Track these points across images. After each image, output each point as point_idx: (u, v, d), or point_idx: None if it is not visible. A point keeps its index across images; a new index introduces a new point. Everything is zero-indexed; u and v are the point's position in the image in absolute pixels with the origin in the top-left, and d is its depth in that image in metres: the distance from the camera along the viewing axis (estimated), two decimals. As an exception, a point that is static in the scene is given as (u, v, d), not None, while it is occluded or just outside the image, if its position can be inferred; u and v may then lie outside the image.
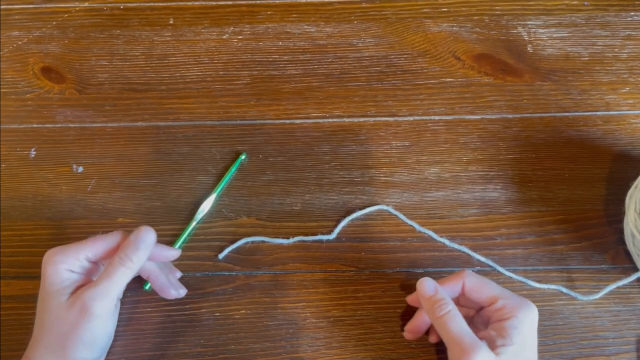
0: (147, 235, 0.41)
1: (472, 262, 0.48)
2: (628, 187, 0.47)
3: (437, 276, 0.48)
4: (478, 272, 0.48)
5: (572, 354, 0.46)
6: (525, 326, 0.39)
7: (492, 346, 0.38)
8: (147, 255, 0.42)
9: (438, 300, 0.41)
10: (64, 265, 0.41)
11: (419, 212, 0.50)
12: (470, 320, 0.44)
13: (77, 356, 0.40)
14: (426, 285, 0.42)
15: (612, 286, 0.46)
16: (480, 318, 0.43)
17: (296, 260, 0.49)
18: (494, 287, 0.42)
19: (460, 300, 0.44)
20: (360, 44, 0.58)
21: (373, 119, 0.54)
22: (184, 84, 0.56)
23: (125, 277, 0.40)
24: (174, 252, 0.45)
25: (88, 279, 0.42)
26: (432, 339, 0.45)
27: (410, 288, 0.47)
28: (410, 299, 0.46)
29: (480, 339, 0.39)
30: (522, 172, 0.52)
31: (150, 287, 0.48)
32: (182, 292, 0.46)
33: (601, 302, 0.47)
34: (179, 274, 0.48)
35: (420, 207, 0.51)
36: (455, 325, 0.39)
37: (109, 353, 0.46)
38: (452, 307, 0.40)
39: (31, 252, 0.50)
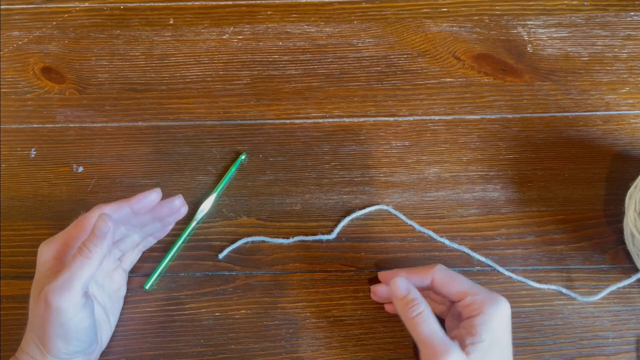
0: (104, 225, 0.40)
1: (472, 262, 0.48)
2: (628, 187, 0.47)
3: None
4: (478, 272, 0.48)
5: (572, 354, 0.46)
6: (494, 322, 0.38)
7: (463, 345, 0.38)
8: (108, 243, 0.40)
9: (410, 301, 0.40)
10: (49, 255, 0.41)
11: (418, 212, 0.51)
12: (445, 315, 0.44)
13: (56, 348, 0.39)
14: (399, 285, 0.41)
15: (613, 287, 0.46)
16: (454, 313, 0.43)
17: (296, 260, 0.49)
18: (463, 282, 0.41)
19: (431, 295, 0.44)
20: (360, 44, 0.58)
21: (373, 119, 0.54)
22: (184, 84, 0.56)
23: (87, 269, 0.38)
24: (152, 196, 0.44)
25: None
26: (389, 308, 0.46)
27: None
28: (377, 294, 0.46)
29: (453, 338, 0.39)
30: (522, 172, 0.52)
31: (150, 286, 0.48)
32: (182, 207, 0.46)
33: (601, 302, 0.47)
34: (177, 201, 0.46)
35: (420, 207, 0.51)
36: (427, 327, 0.39)
37: (109, 353, 0.46)
38: (424, 307, 0.39)
39: (31, 252, 0.49)
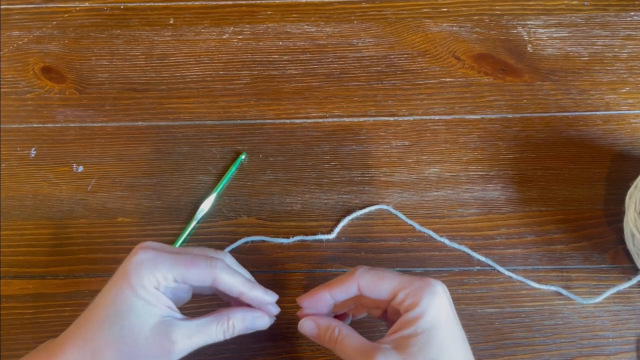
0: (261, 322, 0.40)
1: (472, 262, 0.48)
2: (628, 187, 0.47)
3: (437, 275, 0.48)
4: (478, 271, 0.48)
5: (572, 354, 0.46)
6: (432, 311, 0.35)
7: (399, 345, 0.35)
8: (225, 280, 0.38)
9: (324, 334, 0.38)
10: (152, 281, 0.37)
11: (418, 211, 0.50)
12: (384, 317, 0.41)
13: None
14: (306, 328, 0.39)
15: (613, 290, 0.46)
16: (392, 312, 0.39)
17: (296, 259, 0.49)
18: (390, 279, 0.38)
19: (363, 300, 0.40)
20: (360, 44, 0.58)
21: (373, 118, 0.54)
22: (184, 83, 0.56)
23: (214, 339, 0.38)
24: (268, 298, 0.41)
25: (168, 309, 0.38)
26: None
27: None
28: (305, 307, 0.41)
29: (394, 338, 0.36)
30: (522, 172, 0.52)
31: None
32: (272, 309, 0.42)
33: (601, 302, 0.47)
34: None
35: (420, 206, 0.51)
36: (349, 342, 0.37)
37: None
38: (338, 329, 0.38)
39: (31, 251, 0.50)
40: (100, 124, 0.55)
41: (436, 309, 0.36)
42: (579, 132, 0.53)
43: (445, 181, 0.52)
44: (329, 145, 0.53)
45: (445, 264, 0.48)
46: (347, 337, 0.37)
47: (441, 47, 0.57)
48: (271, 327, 0.46)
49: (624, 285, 0.46)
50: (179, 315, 0.38)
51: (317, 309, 0.40)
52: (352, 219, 0.50)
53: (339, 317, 0.42)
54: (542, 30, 0.57)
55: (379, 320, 0.42)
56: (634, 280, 0.46)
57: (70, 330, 0.37)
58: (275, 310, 0.41)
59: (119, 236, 0.50)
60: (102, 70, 0.57)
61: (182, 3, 0.60)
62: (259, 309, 0.41)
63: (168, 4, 0.60)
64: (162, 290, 0.37)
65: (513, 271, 0.48)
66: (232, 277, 0.39)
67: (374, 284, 0.38)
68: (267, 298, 0.40)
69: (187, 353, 0.37)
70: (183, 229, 0.50)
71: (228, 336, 0.39)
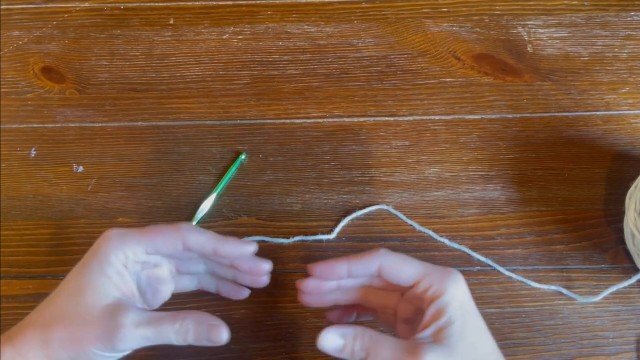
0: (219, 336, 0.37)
1: (472, 262, 0.48)
2: (628, 187, 0.47)
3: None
4: (478, 271, 0.48)
5: (572, 354, 0.46)
6: (458, 298, 0.35)
7: (437, 337, 0.33)
8: (202, 245, 0.38)
9: (352, 343, 0.34)
10: (121, 257, 0.37)
11: (418, 211, 0.51)
12: (394, 307, 0.39)
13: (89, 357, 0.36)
14: (329, 341, 0.35)
15: (613, 288, 0.46)
16: (408, 300, 0.38)
17: (296, 259, 0.49)
18: (413, 264, 0.36)
19: (375, 283, 0.39)
20: (360, 44, 0.58)
21: (373, 118, 0.54)
22: (184, 83, 0.56)
23: (159, 237, 0.38)
24: (248, 248, 0.40)
25: (134, 291, 0.38)
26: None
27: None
28: (306, 294, 0.39)
29: (421, 330, 0.34)
30: (522, 172, 0.52)
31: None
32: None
33: (601, 302, 0.47)
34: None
35: (420, 206, 0.51)
36: (385, 345, 0.34)
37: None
38: (369, 334, 0.34)
39: (31, 251, 0.50)
40: (100, 124, 0.55)
41: (461, 296, 0.35)
42: (579, 132, 0.53)
43: (445, 181, 0.52)
44: (329, 145, 0.53)
45: (445, 264, 0.48)
46: (380, 341, 0.34)
47: (441, 47, 0.57)
48: (271, 327, 0.47)
49: (623, 284, 0.46)
50: (138, 304, 0.38)
51: (326, 279, 0.38)
52: (352, 219, 0.50)
53: (341, 315, 0.42)
54: (542, 30, 0.58)
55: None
56: (634, 279, 0.46)
57: (35, 309, 0.37)
58: (267, 265, 0.40)
59: (119, 236, 0.50)
60: (102, 70, 0.57)
61: (182, 3, 0.60)
62: (248, 269, 0.40)
63: (168, 4, 0.60)
64: (130, 269, 0.37)
65: (513, 271, 0.48)
66: (201, 235, 0.38)
67: (396, 266, 0.36)
68: (246, 246, 0.39)
69: (136, 345, 0.36)
70: (183, 229, 0.50)
71: (181, 339, 0.36)
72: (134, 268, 0.38)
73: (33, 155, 0.54)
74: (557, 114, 0.54)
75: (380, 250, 0.37)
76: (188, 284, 0.43)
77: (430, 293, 0.35)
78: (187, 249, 0.38)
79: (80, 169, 0.53)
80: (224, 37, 0.59)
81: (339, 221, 0.50)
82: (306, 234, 0.50)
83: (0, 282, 0.49)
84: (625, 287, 0.47)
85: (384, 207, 0.51)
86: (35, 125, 0.55)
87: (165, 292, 0.41)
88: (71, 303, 0.36)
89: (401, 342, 0.34)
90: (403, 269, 0.36)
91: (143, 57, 0.58)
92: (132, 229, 0.38)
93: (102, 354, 0.35)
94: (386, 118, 0.54)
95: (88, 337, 0.35)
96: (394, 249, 0.49)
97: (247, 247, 0.40)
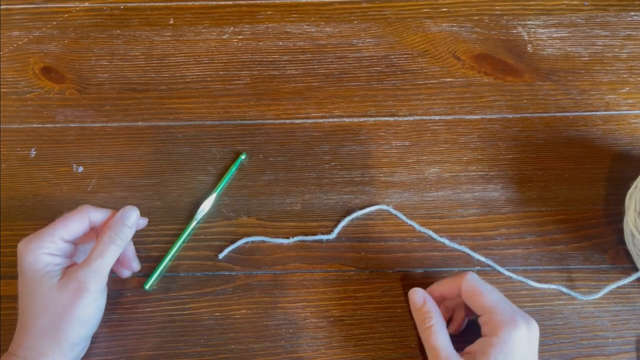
0: (133, 213, 0.44)
1: (472, 262, 0.48)
2: (628, 187, 0.47)
3: (438, 276, 0.48)
4: (478, 272, 0.48)
5: (572, 354, 0.46)
6: (507, 346, 0.38)
7: None
8: (133, 232, 0.44)
9: (425, 313, 0.42)
10: (43, 250, 0.41)
11: (419, 212, 0.50)
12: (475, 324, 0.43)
13: (73, 334, 0.41)
14: (416, 296, 0.44)
15: (612, 286, 0.46)
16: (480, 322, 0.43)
17: (296, 260, 0.49)
18: (489, 297, 0.41)
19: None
20: (360, 44, 0.58)
21: (373, 119, 0.54)
22: (184, 83, 0.56)
23: (115, 254, 0.42)
24: (143, 222, 0.46)
25: (70, 261, 0.43)
26: (450, 329, 0.45)
27: (409, 287, 0.47)
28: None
29: (468, 352, 0.40)
30: (522, 172, 0.52)
31: (150, 286, 0.48)
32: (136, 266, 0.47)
33: (601, 302, 0.47)
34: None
35: (420, 207, 0.51)
36: (435, 340, 0.41)
37: (109, 353, 0.46)
38: (435, 320, 0.42)
39: (31, 252, 0.50)
40: (100, 124, 0.55)
41: (512, 347, 0.38)
42: (579, 132, 0.53)
43: (445, 181, 0.52)
44: (329, 145, 0.53)
45: (445, 264, 0.48)
46: (437, 332, 0.41)
47: (441, 47, 0.57)
48: (271, 327, 0.47)
49: (623, 282, 0.46)
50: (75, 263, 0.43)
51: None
52: (352, 219, 0.50)
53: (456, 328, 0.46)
54: (542, 30, 0.57)
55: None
56: (634, 277, 0.46)
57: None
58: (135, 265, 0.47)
59: (119, 236, 0.50)
60: (102, 70, 0.57)
61: (182, 3, 0.60)
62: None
63: (168, 4, 0.60)
64: (57, 253, 0.42)
65: (513, 271, 0.48)
66: (99, 210, 0.44)
67: (472, 295, 0.41)
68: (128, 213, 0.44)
69: (104, 280, 0.42)
70: (183, 229, 0.50)
71: (121, 244, 0.43)
72: (58, 249, 0.43)
73: (33, 155, 0.54)
74: (557, 114, 0.54)
75: (466, 276, 0.42)
76: None
77: (488, 328, 0.40)
78: (92, 225, 0.44)
79: (80, 169, 0.53)
80: (224, 37, 0.59)
81: (339, 221, 0.50)
82: (306, 234, 0.50)
83: (0, 282, 0.49)
84: (625, 287, 0.47)
85: (384, 207, 0.51)
86: (35, 126, 0.55)
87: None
88: (33, 303, 0.41)
89: (450, 348, 0.40)
90: (477, 299, 0.41)
91: (143, 57, 0.58)
92: (40, 230, 0.43)
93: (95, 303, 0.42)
94: (386, 118, 0.54)
95: (65, 309, 0.40)
96: (394, 249, 0.49)
97: (134, 214, 0.44)
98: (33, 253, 0.41)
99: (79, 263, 0.42)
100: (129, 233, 0.43)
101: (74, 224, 0.43)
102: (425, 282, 0.46)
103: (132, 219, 0.44)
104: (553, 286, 0.47)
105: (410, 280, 0.48)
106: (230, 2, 0.60)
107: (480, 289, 0.41)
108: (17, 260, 0.42)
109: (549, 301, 0.47)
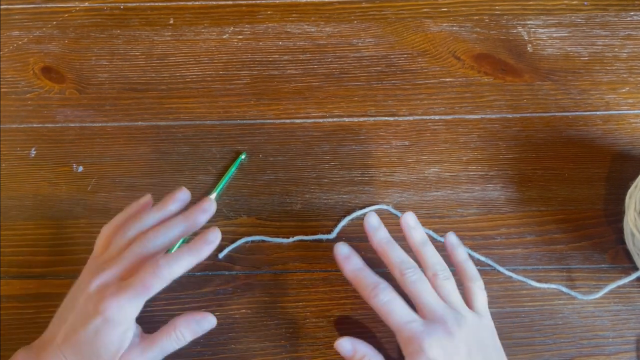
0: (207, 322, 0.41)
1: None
2: (628, 187, 0.47)
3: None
4: (478, 271, 0.48)
5: (572, 354, 0.46)
6: None
7: None
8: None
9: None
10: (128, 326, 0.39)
11: (418, 211, 0.51)
12: None
13: None
14: (343, 347, 0.42)
15: (612, 285, 0.46)
16: None
17: (296, 259, 0.49)
18: (392, 318, 0.41)
19: None
20: (360, 44, 0.58)
21: (373, 118, 0.54)
22: (184, 83, 0.56)
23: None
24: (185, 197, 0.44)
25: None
26: None
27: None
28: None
29: None
30: (521, 172, 0.52)
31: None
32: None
33: (601, 302, 0.47)
34: None
35: (420, 206, 0.51)
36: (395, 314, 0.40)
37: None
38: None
39: (32, 251, 0.50)
40: (100, 124, 0.55)
41: None
42: (579, 132, 0.53)
43: (445, 181, 0.52)
44: (329, 145, 0.53)
45: (444, 264, 0.48)
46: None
47: (441, 47, 0.57)
48: (271, 327, 0.47)
49: (623, 281, 0.46)
50: (136, 337, 0.40)
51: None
52: (352, 219, 0.50)
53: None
54: (542, 30, 0.58)
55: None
56: (633, 276, 0.46)
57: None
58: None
59: (119, 236, 0.50)
60: (102, 70, 0.57)
61: (182, 3, 0.60)
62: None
63: (168, 4, 0.60)
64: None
65: (513, 271, 0.48)
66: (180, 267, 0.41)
67: (385, 316, 0.41)
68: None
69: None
70: (183, 229, 0.50)
71: (182, 344, 0.40)
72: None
73: (33, 155, 0.54)
74: (557, 114, 0.54)
75: (376, 297, 0.41)
76: None
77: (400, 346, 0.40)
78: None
79: (80, 169, 0.53)
80: (224, 37, 0.59)
81: (338, 221, 0.50)
82: (306, 234, 0.50)
83: (0, 282, 0.49)
84: (625, 287, 0.47)
85: (384, 207, 0.51)
86: (35, 125, 0.55)
87: None
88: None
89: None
90: (388, 319, 0.41)
91: (143, 57, 0.58)
92: (127, 292, 0.39)
93: None
94: (386, 118, 0.54)
95: None
96: (394, 248, 0.49)
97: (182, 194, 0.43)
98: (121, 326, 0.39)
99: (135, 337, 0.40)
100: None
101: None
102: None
103: (187, 337, 0.41)
104: (553, 286, 0.47)
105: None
106: (230, 2, 0.60)
107: (388, 308, 0.41)
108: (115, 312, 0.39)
109: (549, 301, 0.47)
